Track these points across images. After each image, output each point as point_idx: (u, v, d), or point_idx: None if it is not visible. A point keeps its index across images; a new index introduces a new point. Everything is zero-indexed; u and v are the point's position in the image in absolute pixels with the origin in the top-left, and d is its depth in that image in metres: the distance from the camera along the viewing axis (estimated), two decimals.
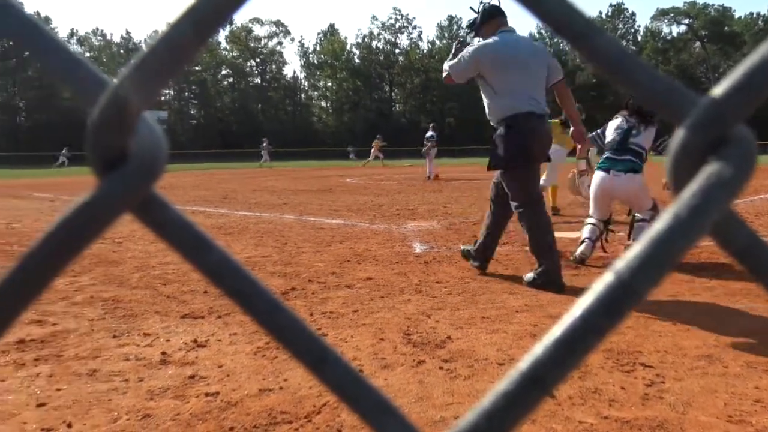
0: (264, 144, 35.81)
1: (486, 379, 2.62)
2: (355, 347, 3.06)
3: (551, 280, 4.19)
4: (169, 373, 2.73)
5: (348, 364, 0.28)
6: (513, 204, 4.41)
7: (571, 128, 4.74)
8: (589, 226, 5.21)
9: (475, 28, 4.53)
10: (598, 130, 5.52)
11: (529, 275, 4.34)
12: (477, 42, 4.48)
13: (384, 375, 2.68)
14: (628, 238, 5.49)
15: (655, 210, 5.14)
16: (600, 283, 0.24)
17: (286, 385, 2.57)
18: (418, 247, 5.97)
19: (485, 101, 4.46)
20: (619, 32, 75.23)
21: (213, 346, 3.10)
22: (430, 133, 20.19)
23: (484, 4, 4.51)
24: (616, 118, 5.37)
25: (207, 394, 2.48)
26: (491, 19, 4.45)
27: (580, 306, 0.24)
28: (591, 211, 5.30)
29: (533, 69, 4.31)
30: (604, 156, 5.24)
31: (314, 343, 0.28)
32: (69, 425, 2.22)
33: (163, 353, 2.98)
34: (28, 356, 2.95)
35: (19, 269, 0.26)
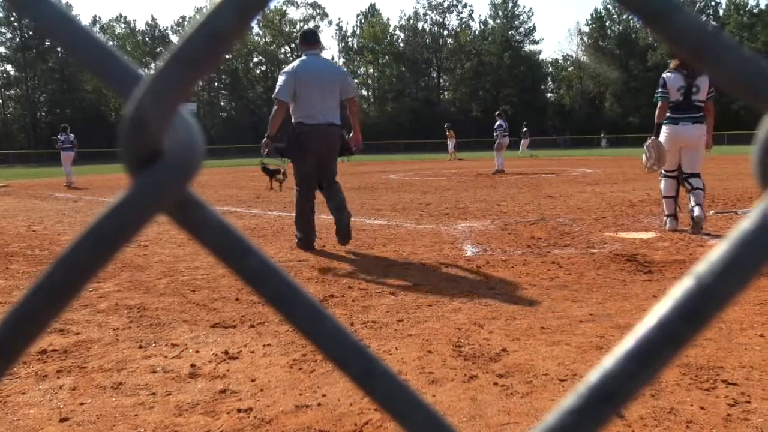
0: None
1: (546, 396, 2.59)
2: (400, 360, 3.06)
3: (306, 245, 6.19)
4: (198, 387, 2.78)
5: (396, 377, 0.28)
6: (295, 184, 6.28)
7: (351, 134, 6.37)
8: (665, 200, 6.84)
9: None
10: (660, 89, 6.63)
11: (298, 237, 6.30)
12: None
13: (432, 391, 2.68)
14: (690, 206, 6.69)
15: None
16: (678, 288, 0.23)
17: (325, 401, 2.59)
18: (470, 250, 5.95)
19: (290, 106, 6.07)
20: (697, 6, 73.53)
21: (245, 358, 3.15)
22: (498, 123, 20.33)
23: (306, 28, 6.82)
24: (671, 72, 6.58)
25: (239, 410, 2.52)
26: (301, 43, 6.31)
27: (655, 314, 0.24)
28: (666, 165, 6.66)
29: (326, 87, 5.97)
30: (669, 115, 6.59)
31: (360, 353, 0.28)
32: None
33: (192, 365, 3.04)
34: (50, 367, 3.04)
35: (51, 275, 0.27)
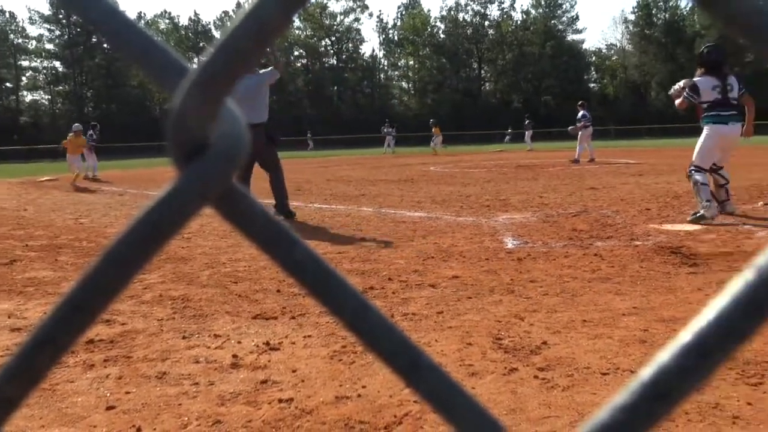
0: (388, 129, 37.49)
1: (588, 390, 2.56)
2: (439, 353, 3.06)
3: (282, 213, 8.05)
4: (240, 378, 2.82)
5: (442, 370, 0.28)
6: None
7: None
8: (704, 187, 6.73)
9: None
10: (689, 92, 6.92)
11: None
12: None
13: (472, 383, 2.67)
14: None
15: None
16: (738, 282, 0.23)
17: (365, 392, 2.60)
18: (510, 242, 5.90)
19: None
20: None
21: (286, 349, 3.18)
22: (581, 113, 20.33)
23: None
24: (702, 76, 6.89)
25: (280, 401, 2.54)
26: None
27: (713, 308, 0.23)
28: (700, 162, 6.85)
29: (245, 96, 7.70)
30: (713, 113, 6.80)
31: (406, 346, 0.28)
32: (138, 430, 2.33)
33: (234, 356, 3.08)
34: (97, 357, 3.11)
35: (99, 267, 0.28)
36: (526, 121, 35.34)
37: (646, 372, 0.23)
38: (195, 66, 0.27)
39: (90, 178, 19.45)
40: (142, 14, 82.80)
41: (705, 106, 6.88)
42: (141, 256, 0.28)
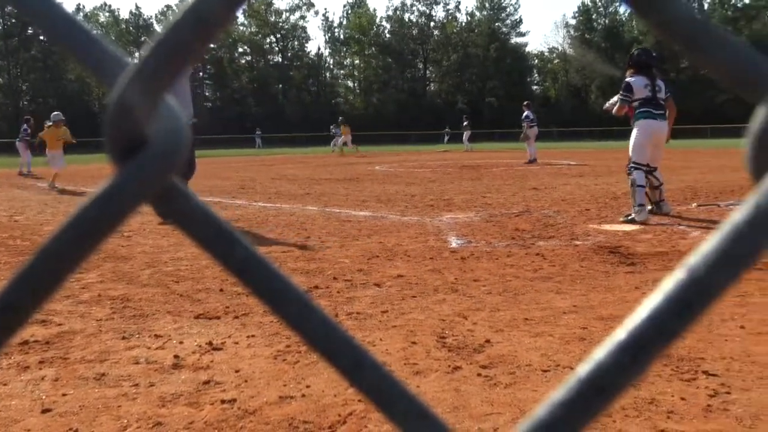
0: (335, 130, 36.99)
1: (529, 387, 2.61)
2: (384, 351, 3.07)
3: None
4: (182, 378, 2.77)
5: (385, 369, 0.28)
6: None
7: None
8: (640, 189, 6.99)
9: None
10: (624, 93, 7.29)
11: None
12: None
13: (416, 382, 2.69)
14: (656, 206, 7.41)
15: None
16: (670, 281, 0.23)
17: (309, 392, 2.59)
18: (454, 242, 5.96)
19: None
20: None
21: (229, 349, 3.14)
22: (525, 114, 20.39)
23: None
24: (633, 76, 7.29)
25: (223, 401, 2.51)
26: None
27: (647, 306, 0.24)
28: (637, 158, 7.13)
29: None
30: (644, 109, 7.16)
31: (350, 345, 0.28)
32: None
33: (176, 356, 3.03)
34: (32, 358, 3.02)
35: (33, 266, 0.27)
36: (464, 122, 35.74)
37: (583, 369, 0.24)
38: (135, 60, 0.27)
39: (24, 174, 18.92)
40: (81, 6, 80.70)
41: (636, 104, 7.24)
42: (77, 255, 0.27)
